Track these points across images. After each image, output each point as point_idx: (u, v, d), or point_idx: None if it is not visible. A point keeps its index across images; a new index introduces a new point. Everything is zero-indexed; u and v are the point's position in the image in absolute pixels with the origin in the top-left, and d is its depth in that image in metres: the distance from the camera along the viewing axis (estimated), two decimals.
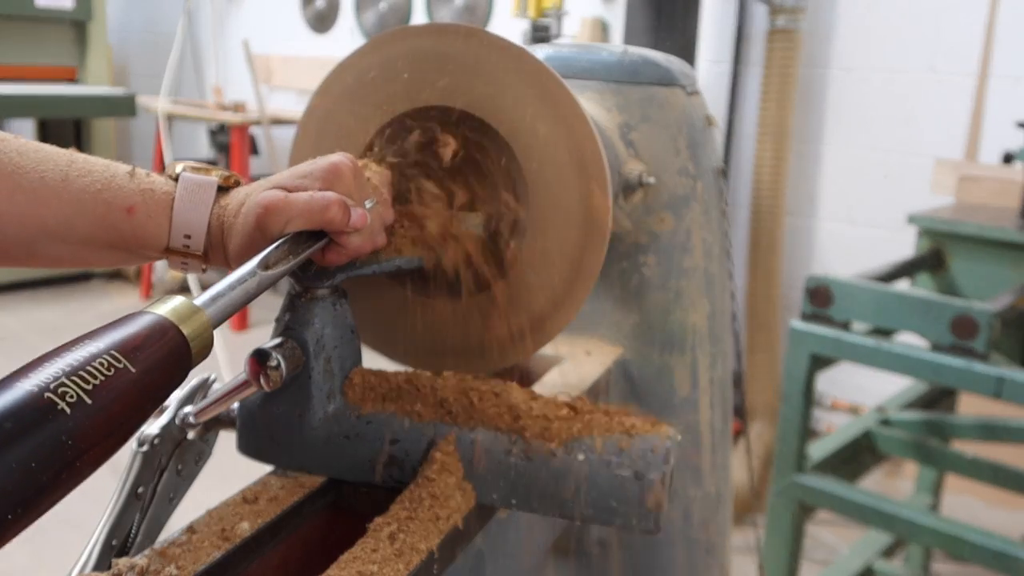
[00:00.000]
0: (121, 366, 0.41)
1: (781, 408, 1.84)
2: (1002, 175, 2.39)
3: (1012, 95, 2.69)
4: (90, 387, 0.39)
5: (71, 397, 0.38)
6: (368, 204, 0.63)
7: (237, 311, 0.52)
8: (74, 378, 0.39)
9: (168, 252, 0.62)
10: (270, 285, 0.56)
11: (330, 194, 0.60)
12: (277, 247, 0.57)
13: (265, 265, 0.55)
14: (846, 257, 3.03)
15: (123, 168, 0.62)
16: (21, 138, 0.61)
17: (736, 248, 1.63)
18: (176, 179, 0.63)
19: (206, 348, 0.48)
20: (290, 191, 0.61)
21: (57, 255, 0.61)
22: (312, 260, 0.63)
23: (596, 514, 0.63)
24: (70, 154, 0.62)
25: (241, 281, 0.53)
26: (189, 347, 0.46)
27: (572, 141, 0.71)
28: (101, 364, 0.40)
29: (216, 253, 0.63)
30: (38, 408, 0.37)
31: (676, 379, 1.03)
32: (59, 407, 0.37)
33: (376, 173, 0.69)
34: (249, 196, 0.62)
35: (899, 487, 2.93)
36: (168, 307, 0.46)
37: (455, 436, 0.65)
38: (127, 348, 0.42)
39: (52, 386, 0.38)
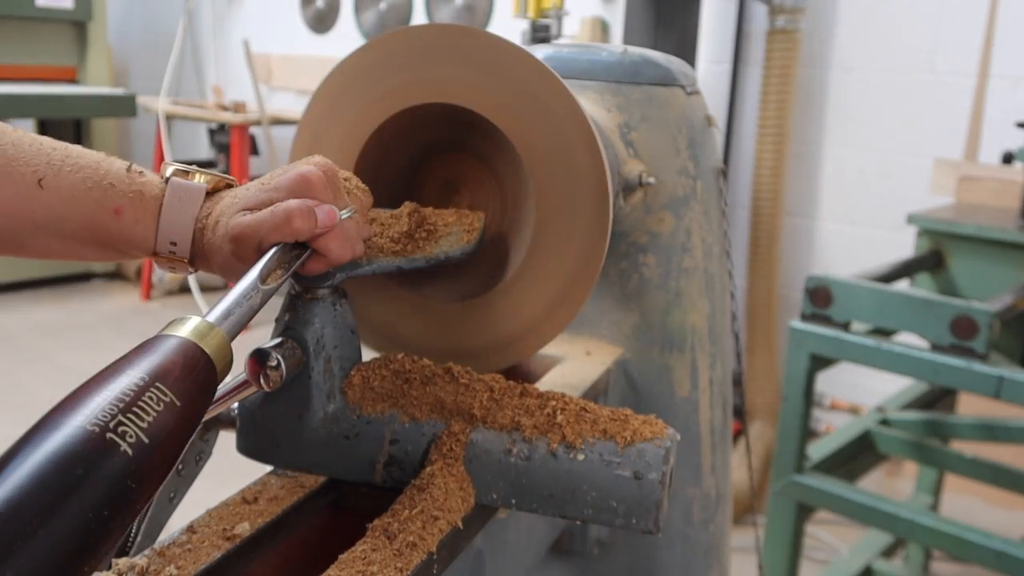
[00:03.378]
0: (168, 400, 0.40)
1: (781, 408, 1.84)
2: (1002, 175, 2.39)
3: (1012, 95, 2.69)
4: (145, 425, 0.38)
5: (131, 437, 0.37)
6: (345, 213, 0.62)
7: (244, 326, 0.53)
8: (129, 415, 0.37)
9: (155, 256, 0.62)
10: (269, 299, 0.57)
11: (290, 202, 0.59)
12: (269, 259, 0.57)
13: (263, 278, 0.56)
14: (846, 257, 3.03)
15: (118, 164, 0.62)
16: (19, 130, 0.61)
17: (736, 248, 1.63)
18: (167, 181, 0.63)
19: (228, 366, 0.47)
20: (257, 209, 0.60)
21: (46, 248, 0.62)
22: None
23: (596, 514, 0.62)
24: (66, 148, 0.62)
25: (247, 296, 0.54)
26: (215, 367, 0.46)
27: (575, 147, 0.71)
28: (151, 399, 0.39)
29: (202, 260, 0.63)
30: (104, 451, 0.35)
31: (676, 379, 1.03)
32: (122, 448, 0.36)
33: (360, 189, 0.69)
34: (222, 216, 0.61)
35: (899, 487, 2.93)
36: (188, 328, 0.46)
37: (455, 435, 0.65)
38: (168, 378, 0.41)
39: (111, 425, 0.36)
